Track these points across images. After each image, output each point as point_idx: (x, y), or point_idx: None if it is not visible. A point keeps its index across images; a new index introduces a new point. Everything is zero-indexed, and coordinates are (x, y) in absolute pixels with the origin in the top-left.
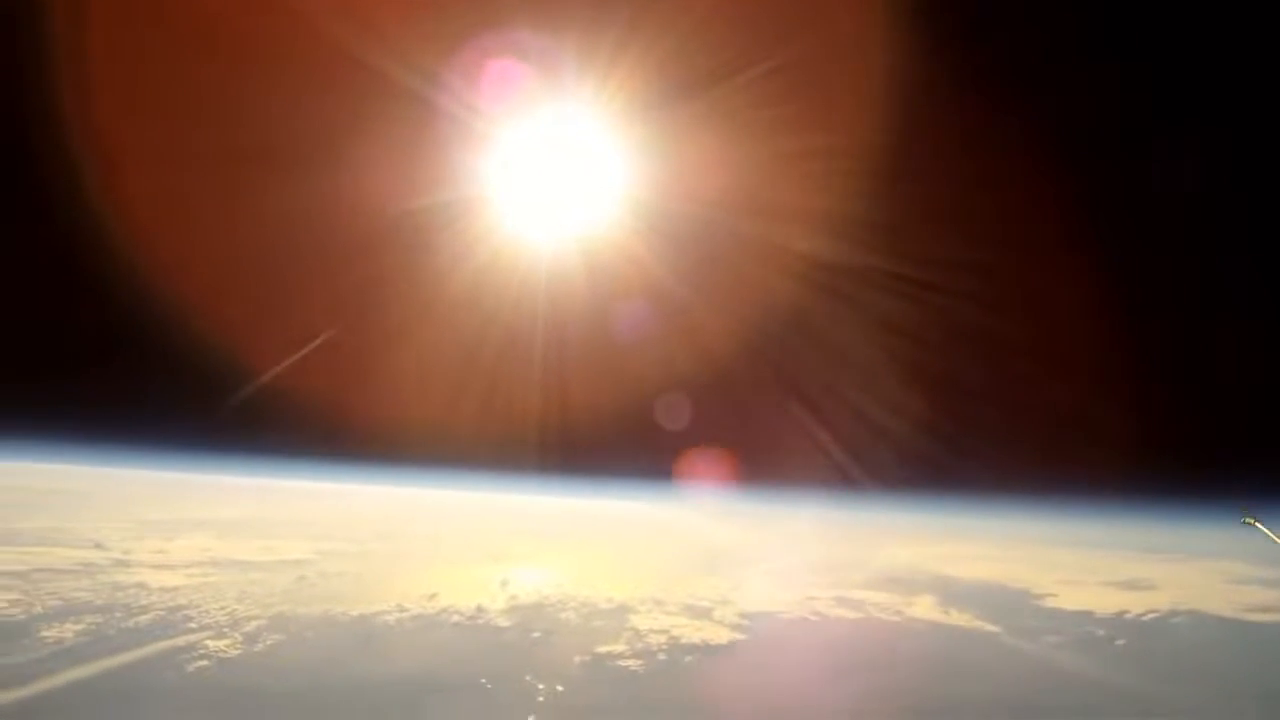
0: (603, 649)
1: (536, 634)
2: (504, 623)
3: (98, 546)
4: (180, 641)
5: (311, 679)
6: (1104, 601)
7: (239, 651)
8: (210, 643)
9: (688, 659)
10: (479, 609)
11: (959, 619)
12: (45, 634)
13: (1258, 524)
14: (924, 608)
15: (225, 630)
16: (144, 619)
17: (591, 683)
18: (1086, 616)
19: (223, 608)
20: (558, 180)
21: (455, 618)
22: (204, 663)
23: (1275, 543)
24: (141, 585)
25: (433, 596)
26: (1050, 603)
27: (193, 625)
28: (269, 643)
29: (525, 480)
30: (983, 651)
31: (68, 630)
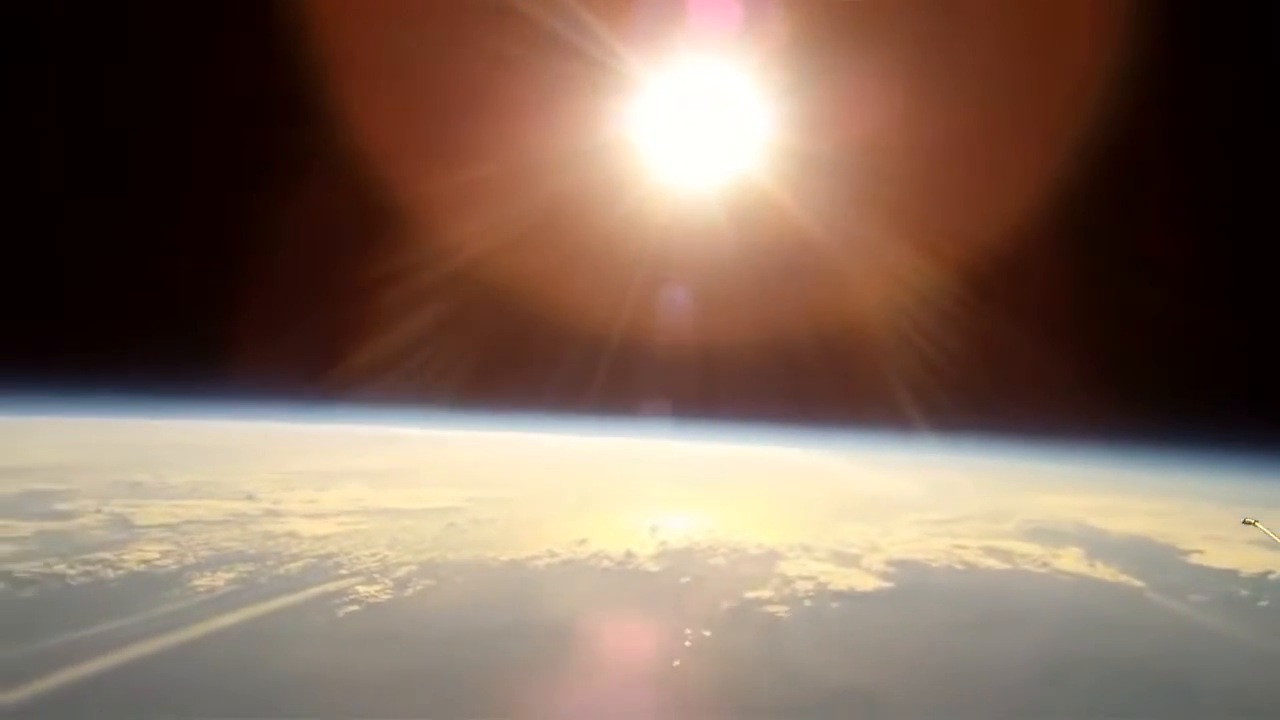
0: (750, 595)
1: (685, 579)
2: (653, 568)
3: (249, 498)
4: (331, 588)
5: (460, 623)
6: (1250, 561)
7: (389, 597)
8: (361, 588)
9: (834, 605)
10: (628, 554)
11: (1104, 573)
12: (197, 583)
13: (1258, 524)
14: (1070, 560)
15: (376, 576)
16: (295, 566)
17: (738, 628)
18: (1231, 575)
19: (374, 554)
20: (706, 124)
21: (605, 563)
22: (354, 608)
23: (1276, 542)
24: (293, 534)
25: (583, 542)
26: (1196, 559)
27: (343, 572)
28: (419, 588)
29: (674, 426)
30: (1127, 607)
31: (219, 579)
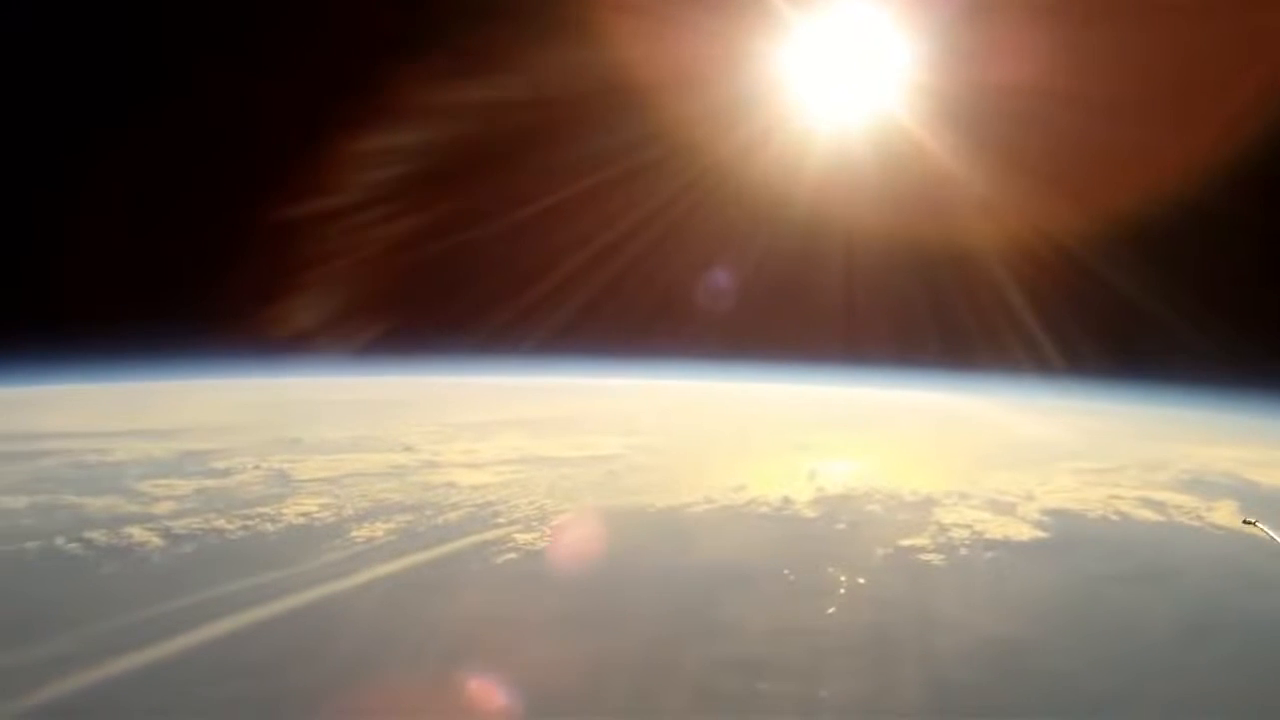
0: (906, 542)
1: (841, 526)
2: (810, 514)
3: (407, 450)
4: (489, 536)
5: (618, 570)
6: None
7: (547, 544)
8: (519, 536)
9: (989, 555)
10: (785, 500)
11: (1259, 528)
12: (356, 534)
13: (1258, 524)
14: (1225, 514)
15: (534, 524)
16: (453, 516)
17: (893, 576)
18: None
19: (532, 503)
20: (850, 66)
21: (762, 509)
22: (512, 556)
23: (1276, 542)
24: (451, 484)
25: (740, 488)
26: None
27: (502, 520)
28: (577, 535)
29: (829, 370)
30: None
31: (378, 529)
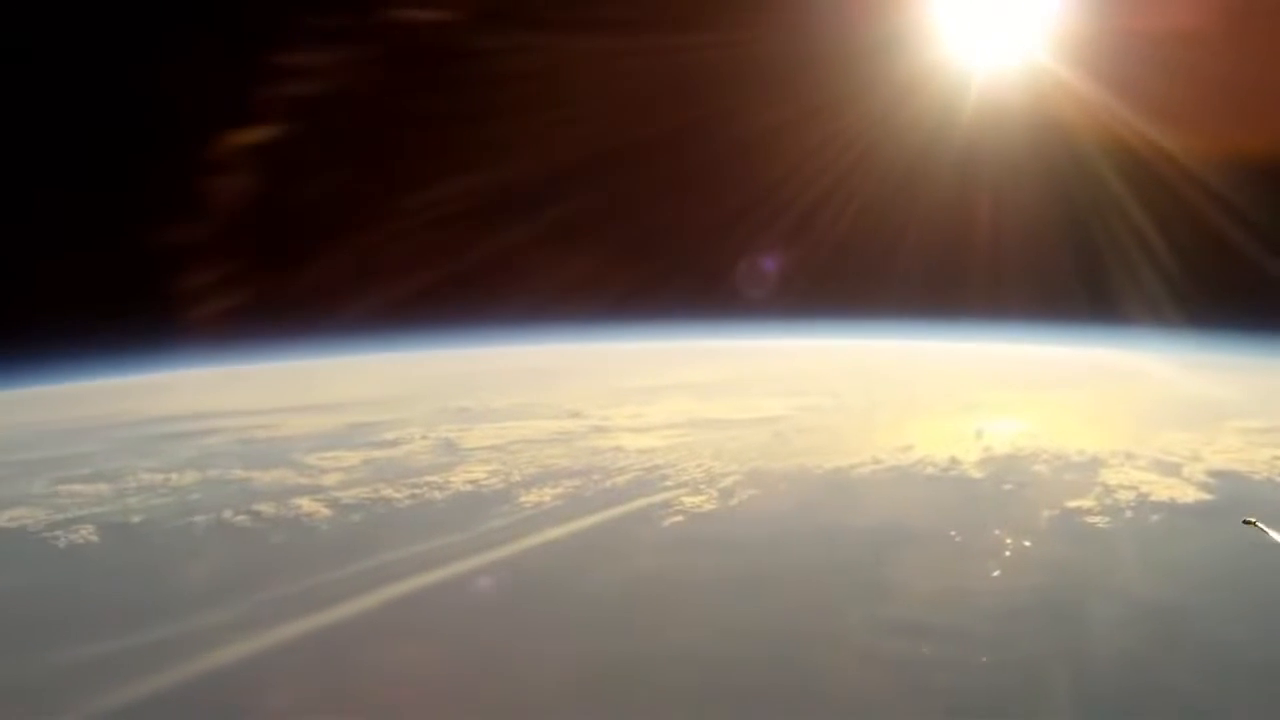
0: (1072, 504)
1: (1008, 487)
2: (976, 475)
3: (575, 416)
4: (657, 499)
5: (783, 531)
6: None
7: (713, 506)
8: (686, 499)
9: (1154, 518)
10: (952, 461)
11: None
12: (524, 499)
13: (1257, 524)
14: None
15: (701, 487)
16: (621, 480)
17: (1058, 538)
18: None
19: (699, 466)
20: (991, 9)
21: (929, 470)
22: (679, 518)
23: (1276, 542)
24: (619, 449)
25: (907, 449)
26: None
27: (669, 483)
28: (744, 497)
29: (993, 327)
30: None
31: (546, 495)
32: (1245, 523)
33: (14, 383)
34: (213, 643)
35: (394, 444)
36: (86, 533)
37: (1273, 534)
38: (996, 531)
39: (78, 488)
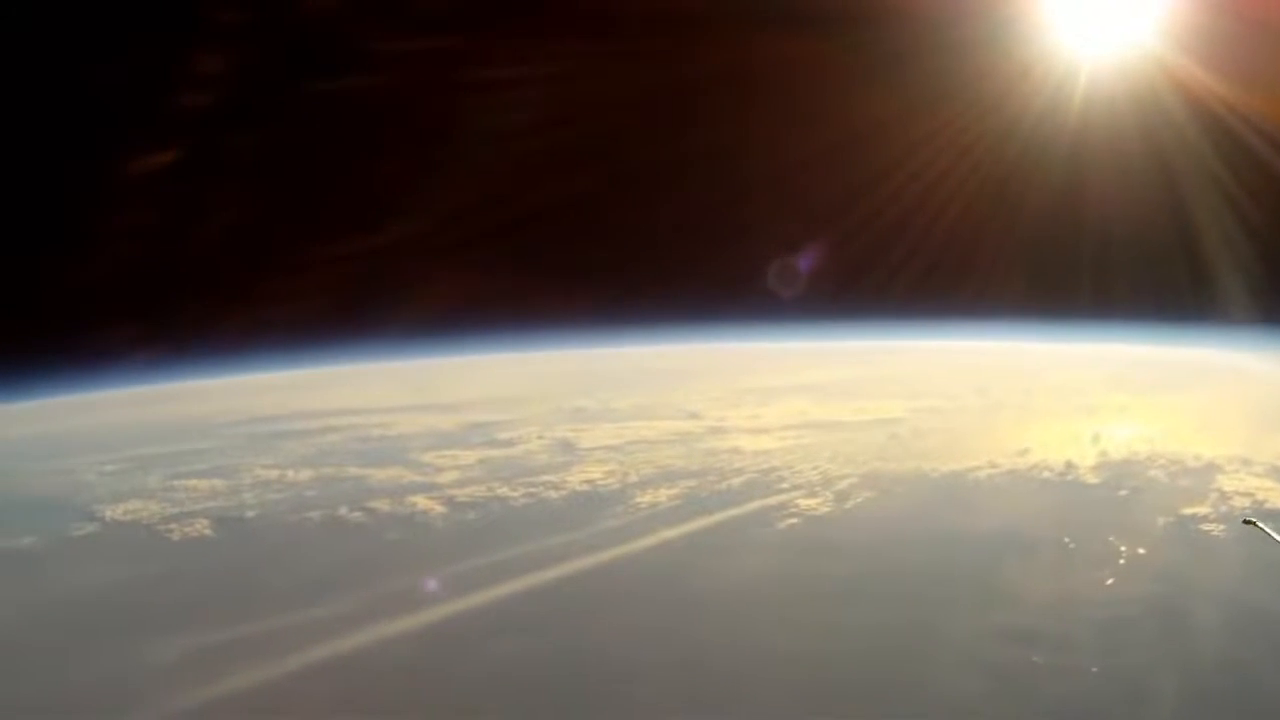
0: (1187, 510)
1: (1123, 492)
2: (1092, 480)
3: (692, 417)
4: (772, 501)
5: (898, 535)
6: None
7: (829, 509)
8: (801, 501)
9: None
10: (1068, 465)
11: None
12: (640, 500)
13: (1257, 524)
14: None
15: (816, 489)
16: (737, 481)
17: (1173, 546)
18: None
19: (815, 468)
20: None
21: (1045, 474)
22: (794, 520)
23: (1276, 541)
24: (735, 450)
25: (1024, 452)
26: None
27: (785, 485)
28: (859, 500)
29: (1106, 327)
30: None
31: (662, 495)
32: (1246, 522)
33: (133, 381)
34: (324, 635)
35: (510, 443)
36: (201, 526)
37: (1273, 534)
38: (1111, 538)
39: (193, 483)
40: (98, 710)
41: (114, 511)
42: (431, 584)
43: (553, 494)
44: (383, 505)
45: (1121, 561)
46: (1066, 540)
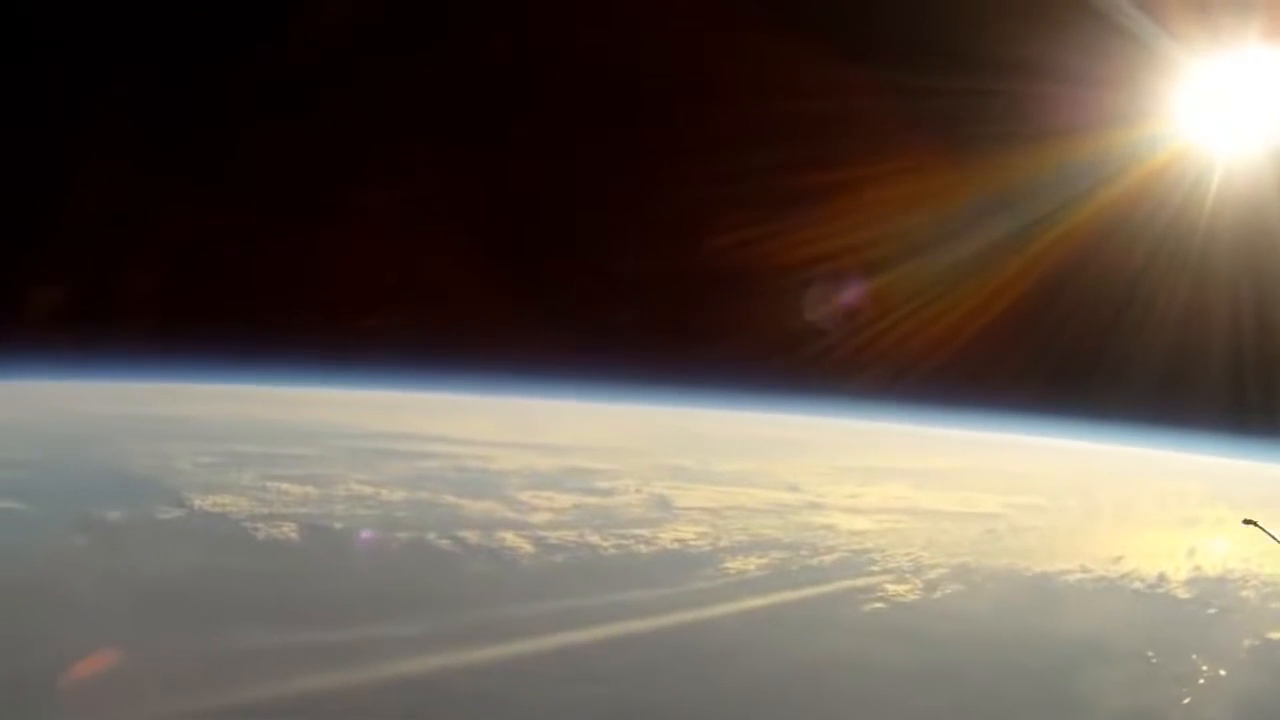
0: (1275, 635)
1: (1212, 610)
2: (1183, 594)
3: (792, 489)
4: (860, 583)
5: (982, 631)
6: None
7: (916, 597)
8: (890, 586)
9: None
10: (1161, 577)
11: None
12: (728, 565)
13: (1257, 524)
14: None
15: (906, 575)
16: (828, 559)
17: (1255, 670)
18: None
19: (908, 554)
20: (1259, 112)
21: (1136, 584)
22: (879, 605)
23: (1276, 541)
24: (830, 527)
25: (1118, 559)
26: None
27: (875, 568)
28: (947, 591)
29: (1223, 439)
30: None
31: (751, 563)
32: (1246, 522)
33: (253, 378)
34: (389, 654)
35: (608, 492)
36: (287, 529)
37: (1273, 534)
38: (1194, 656)
39: (286, 486)
40: (140, 686)
41: (203, 501)
42: (505, 619)
43: (642, 548)
44: (471, 536)
45: (1201, 681)
46: (1149, 654)
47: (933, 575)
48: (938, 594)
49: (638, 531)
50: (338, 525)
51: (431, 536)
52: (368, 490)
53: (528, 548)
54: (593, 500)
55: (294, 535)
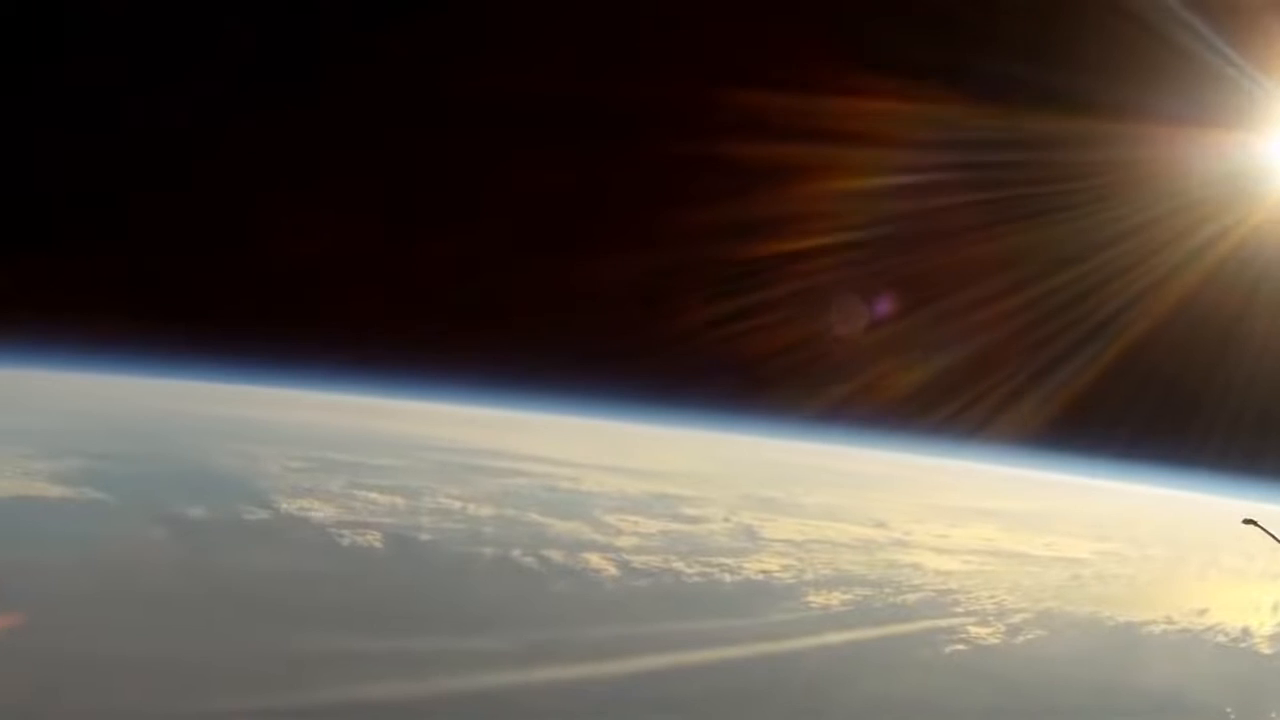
0: None
1: None
2: (1265, 649)
3: (880, 525)
4: (943, 623)
5: (1061, 678)
6: None
7: (998, 641)
8: (972, 628)
9: None
10: (1245, 631)
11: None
12: (811, 599)
13: (1257, 523)
14: None
15: (990, 618)
16: (912, 598)
17: None
18: None
19: (992, 597)
20: None
21: (1220, 637)
22: (961, 646)
23: (1276, 542)
24: (916, 566)
25: (1203, 612)
26: None
27: (959, 609)
28: (1029, 636)
29: None
30: None
31: (834, 598)
32: (1246, 522)
33: (350, 389)
34: (464, 667)
35: (695, 520)
36: (372, 538)
37: (1273, 534)
38: (1274, 715)
39: (374, 495)
40: (212, 681)
41: (289, 505)
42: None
43: (726, 577)
44: (556, 555)
45: None
46: (1228, 710)
47: (1016, 619)
48: (1020, 639)
49: (722, 560)
50: (423, 537)
51: (516, 553)
52: (456, 504)
53: (612, 570)
54: (679, 527)
55: (378, 544)
